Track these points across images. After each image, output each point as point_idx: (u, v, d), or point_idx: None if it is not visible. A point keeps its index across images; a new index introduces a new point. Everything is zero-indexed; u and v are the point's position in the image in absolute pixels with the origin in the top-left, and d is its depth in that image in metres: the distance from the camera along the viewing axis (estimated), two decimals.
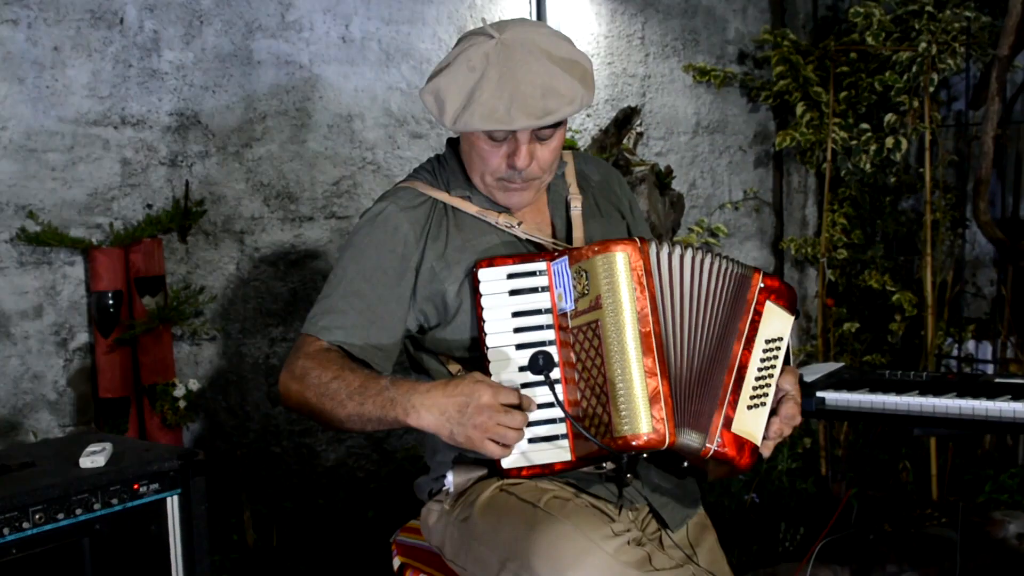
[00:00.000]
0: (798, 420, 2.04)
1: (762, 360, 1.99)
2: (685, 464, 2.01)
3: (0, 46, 3.18)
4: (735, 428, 1.92)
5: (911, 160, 4.90)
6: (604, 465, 1.97)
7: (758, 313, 2.00)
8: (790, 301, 2.07)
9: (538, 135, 1.99)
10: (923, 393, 2.61)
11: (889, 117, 4.51)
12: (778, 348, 2.03)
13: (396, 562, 2.23)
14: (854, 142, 4.60)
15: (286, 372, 2.01)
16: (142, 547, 2.13)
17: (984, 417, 2.54)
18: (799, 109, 4.65)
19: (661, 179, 3.89)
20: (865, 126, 4.61)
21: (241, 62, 3.61)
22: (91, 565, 2.04)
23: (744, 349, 1.97)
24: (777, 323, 2.03)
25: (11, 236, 3.22)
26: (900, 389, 2.67)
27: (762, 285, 2.02)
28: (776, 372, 2.01)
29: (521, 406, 1.84)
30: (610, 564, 1.78)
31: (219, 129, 3.58)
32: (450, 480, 2.03)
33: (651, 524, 2.03)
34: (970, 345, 4.85)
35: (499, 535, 1.90)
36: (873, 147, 4.55)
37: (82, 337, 3.37)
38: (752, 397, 1.96)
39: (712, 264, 1.97)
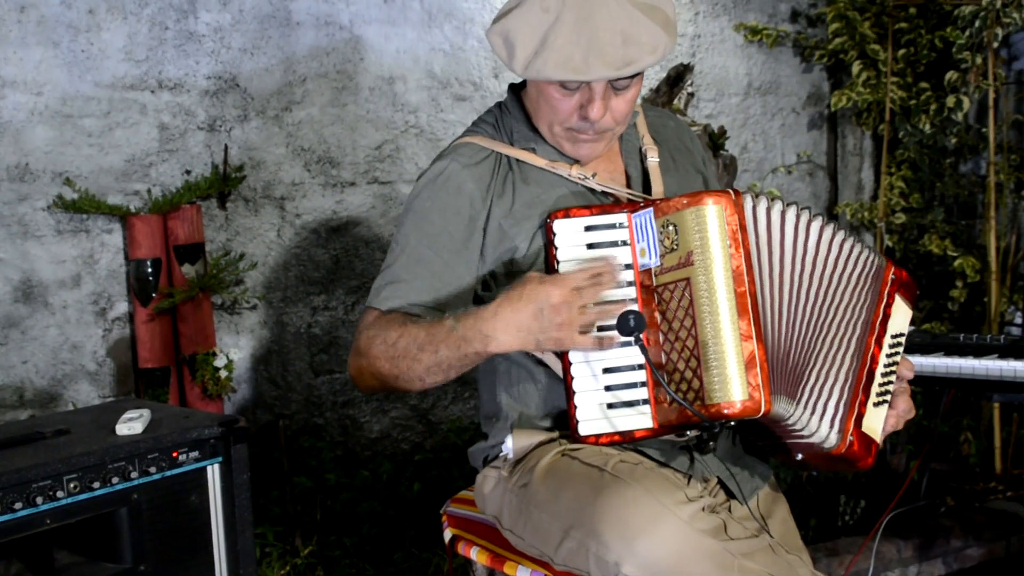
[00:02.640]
0: (912, 414, 1.97)
1: (888, 356, 1.92)
2: (799, 456, 1.89)
3: (34, 9, 3.12)
4: (864, 427, 1.84)
5: (971, 121, 4.72)
6: (686, 433, 1.84)
7: (889, 306, 1.93)
8: (914, 295, 2.01)
9: (614, 85, 1.85)
10: (1003, 356, 2.47)
11: (950, 75, 4.33)
12: (901, 344, 1.96)
13: (447, 534, 2.12)
14: (913, 102, 4.44)
15: (352, 353, 1.89)
16: (182, 517, 2.05)
17: None
18: (855, 68, 4.48)
19: (714, 140, 3.75)
20: (924, 85, 4.45)
21: (280, 23, 3.51)
22: (129, 536, 1.97)
23: (875, 344, 1.89)
24: (901, 318, 1.97)
25: (48, 204, 3.17)
26: (977, 353, 2.53)
27: (893, 277, 1.95)
28: (896, 368, 1.96)
29: (594, 277, 1.71)
30: (684, 531, 1.67)
31: (258, 93, 3.49)
32: (509, 445, 1.92)
33: (720, 495, 1.91)
34: None
35: (562, 501, 1.79)
36: (933, 107, 4.38)
37: (121, 306, 3.31)
38: (878, 394, 1.89)
39: (823, 229, 1.86)
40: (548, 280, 1.69)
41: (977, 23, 4.20)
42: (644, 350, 1.70)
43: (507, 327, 1.70)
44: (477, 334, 1.72)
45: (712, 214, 1.73)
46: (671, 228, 1.76)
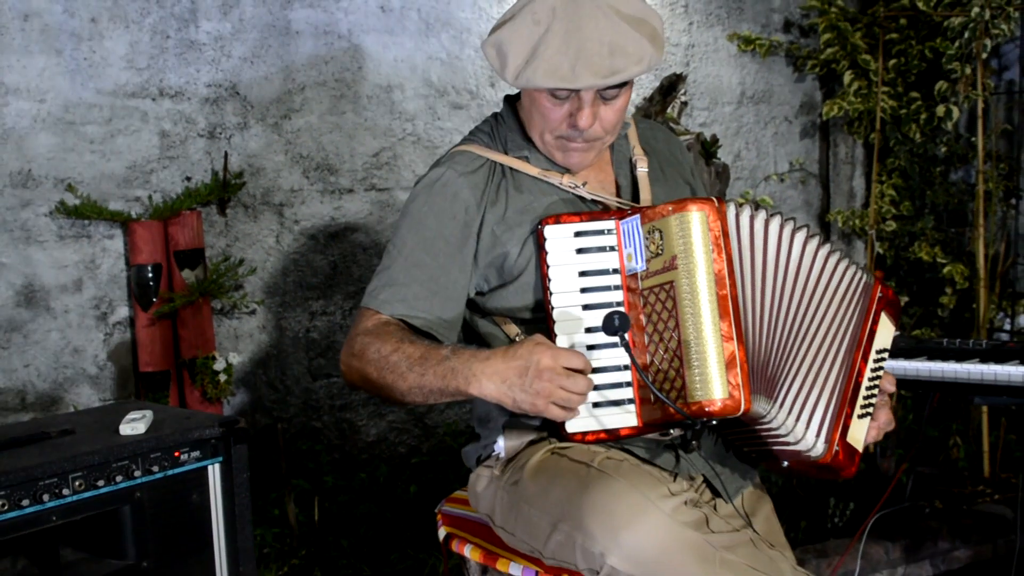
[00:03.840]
0: (892, 426, 2.03)
1: (872, 371, 1.98)
2: (785, 464, 1.95)
3: (38, 18, 3.16)
4: (848, 437, 1.90)
5: (961, 130, 4.78)
6: (670, 432, 1.91)
7: (876, 323, 1.99)
8: (898, 312, 2.07)
9: (603, 95, 1.91)
10: (984, 361, 2.53)
11: (940, 85, 4.39)
12: (884, 359, 2.03)
13: (442, 532, 2.17)
14: (903, 111, 4.49)
15: (346, 349, 1.96)
16: (184, 515, 2.10)
17: None
18: (847, 78, 4.54)
19: (707, 148, 3.81)
20: (915, 95, 4.50)
21: (279, 32, 3.56)
22: (132, 533, 2.01)
23: (862, 359, 1.95)
24: (886, 334, 2.03)
25: (50, 209, 3.21)
26: (959, 357, 2.59)
27: (881, 295, 2.01)
28: (879, 382, 2.02)
29: (583, 370, 1.78)
30: (667, 524, 1.72)
31: (258, 100, 3.54)
32: (501, 445, 1.98)
33: (705, 493, 1.97)
34: (1022, 320, 4.73)
35: (550, 496, 1.85)
36: (923, 116, 4.44)
37: (122, 311, 3.36)
38: (862, 407, 1.95)
39: (808, 241, 1.92)
40: (546, 346, 1.77)
41: (966, 34, 4.26)
42: (628, 348, 1.75)
43: (492, 375, 1.77)
44: (466, 370, 1.79)
45: (696, 220, 1.79)
46: (656, 234, 1.82)
